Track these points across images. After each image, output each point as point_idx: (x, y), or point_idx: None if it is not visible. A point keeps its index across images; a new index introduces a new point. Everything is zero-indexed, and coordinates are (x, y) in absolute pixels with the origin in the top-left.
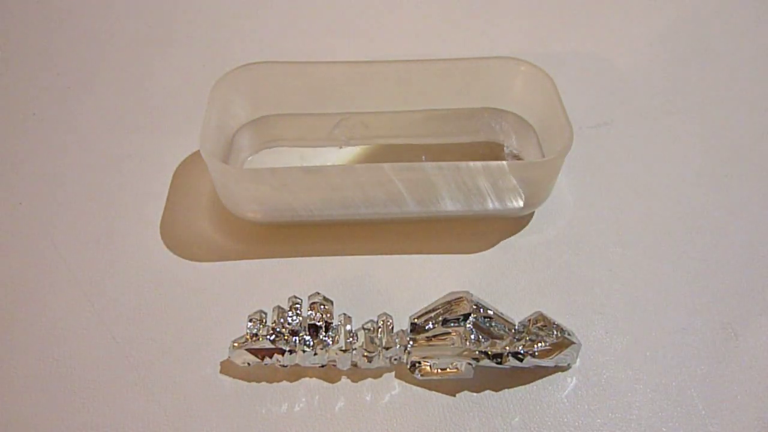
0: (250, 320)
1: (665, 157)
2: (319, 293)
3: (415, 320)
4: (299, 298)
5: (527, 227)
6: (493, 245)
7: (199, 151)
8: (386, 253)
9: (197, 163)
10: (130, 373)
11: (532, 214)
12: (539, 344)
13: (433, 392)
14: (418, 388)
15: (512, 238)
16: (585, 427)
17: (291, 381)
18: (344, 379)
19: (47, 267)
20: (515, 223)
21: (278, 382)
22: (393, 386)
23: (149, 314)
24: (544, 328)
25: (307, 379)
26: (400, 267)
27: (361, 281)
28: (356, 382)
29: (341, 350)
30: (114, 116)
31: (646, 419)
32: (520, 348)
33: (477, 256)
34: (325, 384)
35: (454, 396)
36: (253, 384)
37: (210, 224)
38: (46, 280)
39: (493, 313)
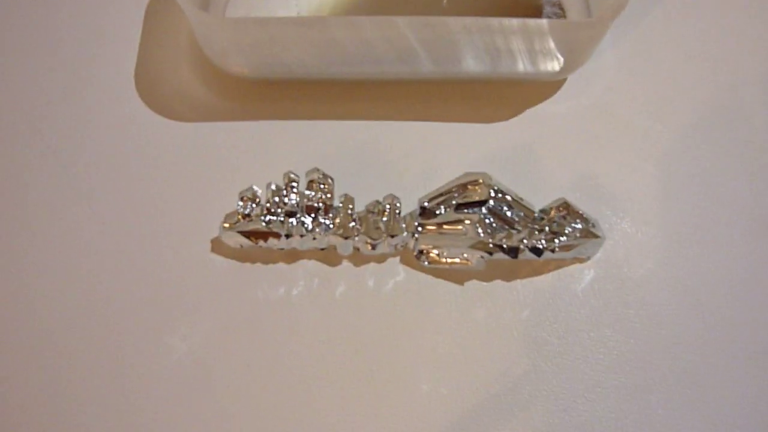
0: (242, 199)
1: (730, 15)
2: (318, 169)
3: (425, 204)
4: (296, 175)
5: (558, 93)
6: (517, 113)
7: None
8: (394, 119)
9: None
10: (107, 245)
11: (566, 77)
12: (560, 238)
13: (440, 280)
14: (424, 275)
15: (540, 105)
16: (597, 323)
17: (288, 263)
18: (345, 263)
19: (11, 131)
20: (544, 88)
21: (274, 263)
22: (398, 272)
23: (128, 181)
24: (567, 216)
25: (305, 261)
26: (410, 135)
27: (365, 151)
28: (358, 266)
29: (342, 237)
30: None
31: (664, 317)
32: (539, 243)
33: (499, 125)
34: (325, 267)
35: (462, 285)
36: (247, 265)
37: (192, 75)
38: (16, 148)
39: (512, 198)
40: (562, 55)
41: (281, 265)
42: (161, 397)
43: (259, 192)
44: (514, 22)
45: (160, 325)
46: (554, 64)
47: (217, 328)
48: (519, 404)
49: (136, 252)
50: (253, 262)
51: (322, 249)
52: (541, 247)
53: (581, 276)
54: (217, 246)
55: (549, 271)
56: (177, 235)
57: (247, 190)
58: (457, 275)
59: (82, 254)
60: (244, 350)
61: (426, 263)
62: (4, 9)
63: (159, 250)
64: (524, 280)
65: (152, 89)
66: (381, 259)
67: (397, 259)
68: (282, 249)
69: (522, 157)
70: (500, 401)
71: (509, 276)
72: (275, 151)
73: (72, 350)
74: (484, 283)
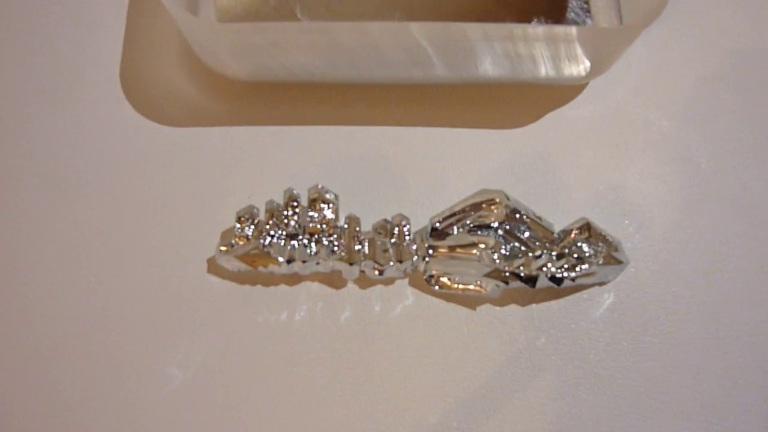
0: (239, 220)
1: (763, 28)
2: (320, 187)
3: (437, 224)
4: (297, 193)
5: (580, 97)
6: (537, 119)
7: None
8: (405, 124)
9: None
10: (95, 263)
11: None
12: (581, 267)
13: (451, 304)
14: (435, 299)
15: (561, 109)
16: (617, 352)
17: (290, 285)
18: (351, 285)
19: None
20: (566, 91)
21: (276, 285)
22: (406, 295)
23: (117, 192)
24: (589, 239)
25: (308, 283)
26: (421, 142)
27: (372, 159)
28: (364, 289)
29: (347, 263)
30: None
31: (688, 349)
32: (559, 272)
33: (517, 131)
34: (329, 290)
35: (474, 310)
36: (247, 287)
37: (182, 76)
38: None
39: (530, 219)
40: (589, 61)
41: (283, 288)
42: (158, 429)
43: (258, 210)
44: (539, 29)
45: (155, 353)
46: (579, 70)
47: (215, 356)
48: None
49: (126, 272)
50: (253, 284)
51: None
52: (560, 276)
53: (600, 300)
54: (214, 266)
55: (566, 294)
56: (171, 253)
57: (244, 210)
58: (469, 300)
59: (65, 275)
60: (244, 379)
61: (437, 288)
62: None
63: (151, 270)
64: (540, 305)
65: (141, 91)
66: (389, 281)
67: (406, 281)
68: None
69: (541, 167)
70: None
71: (524, 301)
72: (275, 159)
73: (62, 383)
74: (498, 309)
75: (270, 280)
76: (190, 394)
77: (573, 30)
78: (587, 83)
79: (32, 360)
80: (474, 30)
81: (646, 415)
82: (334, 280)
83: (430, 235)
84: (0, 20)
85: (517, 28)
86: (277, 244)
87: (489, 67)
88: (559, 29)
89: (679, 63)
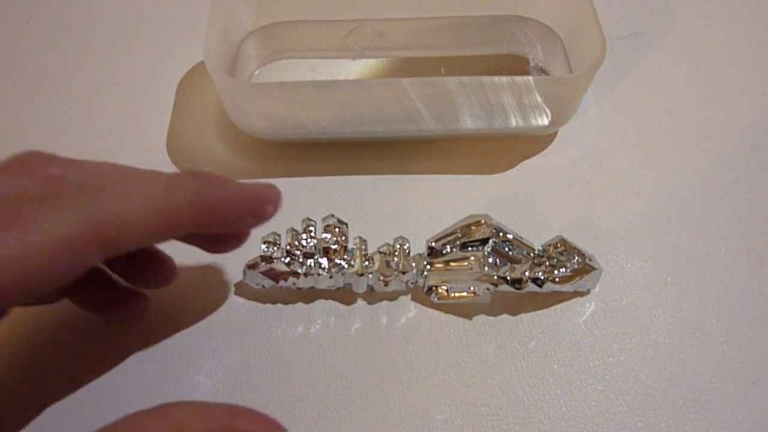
0: (264, 242)
1: (700, 71)
2: (333, 215)
3: (433, 244)
4: (313, 220)
5: (550, 146)
6: (514, 165)
7: (203, 62)
8: (403, 173)
9: (202, 75)
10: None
11: (556, 132)
12: (560, 270)
13: (450, 315)
14: (434, 311)
15: (534, 158)
16: (601, 352)
17: (306, 303)
18: (360, 301)
19: None
20: (538, 142)
21: (294, 303)
22: (409, 309)
23: None
24: (564, 252)
25: (322, 300)
26: (417, 187)
27: (376, 202)
28: (372, 304)
29: (357, 274)
30: (112, 24)
31: (664, 345)
32: (540, 274)
33: (497, 176)
34: (341, 306)
35: (471, 319)
36: (268, 305)
37: (218, 141)
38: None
39: (513, 237)
40: (550, 109)
41: (300, 305)
42: None
43: (281, 237)
44: (504, 79)
45: (186, 363)
46: (543, 118)
47: (239, 365)
48: (530, 430)
49: (169, 299)
50: (274, 302)
51: (338, 288)
52: (542, 277)
53: (582, 308)
54: (240, 289)
55: (552, 305)
56: (203, 280)
57: (269, 234)
58: (465, 311)
59: None
60: (265, 385)
61: (435, 299)
62: (41, 74)
63: (187, 293)
64: (529, 314)
65: (183, 154)
66: (393, 297)
67: (409, 296)
68: (300, 289)
69: (519, 203)
70: (512, 428)
71: (514, 310)
72: (294, 205)
73: (102, 384)
74: (491, 318)
75: (288, 299)
76: (215, 399)
77: (531, 79)
78: (555, 134)
79: (71, 365)
80: (450, 80)
81: (633, 410)
82: (345, 297)
83: (428, 255)
84: (69, 93)
85: (485, 78)
86: (296, 261)
87: (468, 119)
88: (519, 79)
89: (629, 115)
